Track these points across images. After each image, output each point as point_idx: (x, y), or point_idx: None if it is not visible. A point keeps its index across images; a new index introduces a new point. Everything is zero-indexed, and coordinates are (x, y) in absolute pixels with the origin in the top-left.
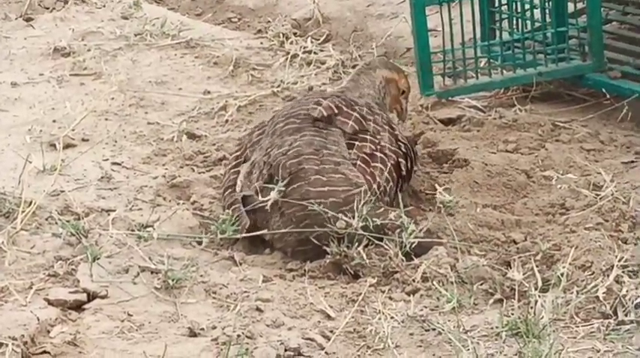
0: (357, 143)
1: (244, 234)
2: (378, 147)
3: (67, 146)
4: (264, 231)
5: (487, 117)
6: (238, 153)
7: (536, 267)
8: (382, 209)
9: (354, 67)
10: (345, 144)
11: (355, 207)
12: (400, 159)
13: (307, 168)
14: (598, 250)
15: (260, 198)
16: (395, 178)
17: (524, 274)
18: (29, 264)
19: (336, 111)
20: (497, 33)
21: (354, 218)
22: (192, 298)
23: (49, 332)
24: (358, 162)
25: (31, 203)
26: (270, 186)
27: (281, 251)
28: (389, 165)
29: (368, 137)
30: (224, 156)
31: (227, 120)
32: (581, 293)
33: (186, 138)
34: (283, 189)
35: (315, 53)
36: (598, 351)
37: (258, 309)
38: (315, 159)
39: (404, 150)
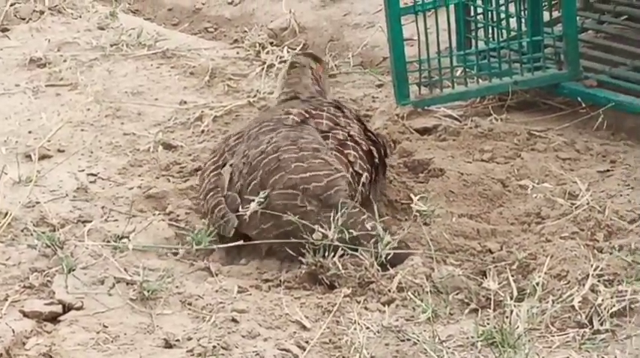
0: (330, 133)
1: (230, 243)
2: (349, 137)
3: (42, 157)
4: (240, 242)
5: (463, 127)
6: (216, 159)
7: (512, 276)
8: (357, 210)
9: (331, 76)
10: (320, 137)
11: (332, 218)
12: (372, 147)
13: (287, 157)
14: (573, 259)
15: (242, 207)
16: (369, 168)
17: (499, 283)
18: (4, 276)
19: (307, 116)
20: (473, 42)
21: (339, 203)
22: (168, 309)
23: (24, 344)
24: (334, 153)
25: (6, 214)
26: (251, 198)
27: (261, 245)
28: (361, 152)
29: (339, 130)
30: (200, 166)
31: (203, 131)
32: (557, 302)
33: (162, 149)
34: (263, 199)
35: None
36: None
37: (233, 320)
38: (293, 149)
39: (374, 139)
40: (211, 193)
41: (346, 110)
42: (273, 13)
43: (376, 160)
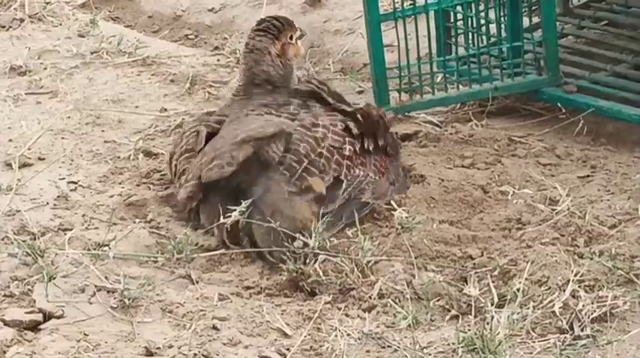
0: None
1: (211, 252)
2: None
3: (23, 165)
4: (222, 251)
5: (443, 133)
6: (190, 147)
7: (493, 282)
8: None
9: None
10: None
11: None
12: (348, 123)
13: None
14: (554, 265)
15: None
16: (351, 141)
17: (480, 290)
18: None
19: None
20: (453, 48)
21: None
22: (149, 317)
23: (5, 352)
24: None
25: None
26: (233, 207)
27: None
28: (334, 129)
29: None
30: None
31: None
32: (538, 308)
33: (142, 157)
34: (244, 209)
35: None
36: None
37: (214, 328)
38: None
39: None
40: (186, 155)
41: (312, 104)
42: (254, 20)
43: (354, 131)
